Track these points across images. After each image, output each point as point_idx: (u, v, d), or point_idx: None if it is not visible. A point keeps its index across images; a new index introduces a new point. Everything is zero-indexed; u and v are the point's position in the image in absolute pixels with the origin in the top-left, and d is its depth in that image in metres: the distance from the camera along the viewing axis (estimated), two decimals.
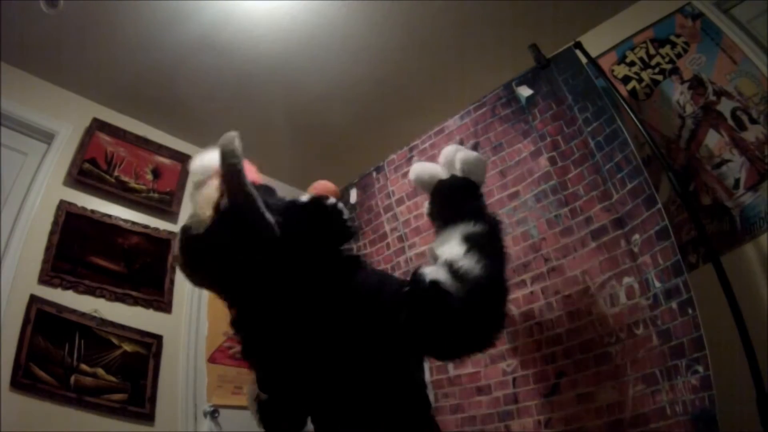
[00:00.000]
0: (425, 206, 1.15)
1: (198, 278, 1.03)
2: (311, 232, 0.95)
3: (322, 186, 1.15)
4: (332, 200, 1.02)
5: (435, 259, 0.92)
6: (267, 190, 1.02)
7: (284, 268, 0.91)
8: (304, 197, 1.03)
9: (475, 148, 1.10)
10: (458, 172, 1.06)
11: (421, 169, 1.15)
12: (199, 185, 0.98)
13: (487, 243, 0.91)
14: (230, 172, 0.89)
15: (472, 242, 0.89)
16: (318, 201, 1.00)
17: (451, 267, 0.84)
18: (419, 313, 0.82)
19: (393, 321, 0.85)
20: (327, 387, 0.90)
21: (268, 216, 0.88)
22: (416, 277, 0.87)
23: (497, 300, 0.88)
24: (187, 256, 0.98)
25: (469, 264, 0.84)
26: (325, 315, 0.90)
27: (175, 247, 1.01)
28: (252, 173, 1.01)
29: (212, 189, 0.94)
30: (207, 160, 0.99)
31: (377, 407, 0.89)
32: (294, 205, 0.99)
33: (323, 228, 0.97)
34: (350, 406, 0.89)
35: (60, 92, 2.36)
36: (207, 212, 0.92)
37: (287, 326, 0.92)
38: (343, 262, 1.00)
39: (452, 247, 0.89)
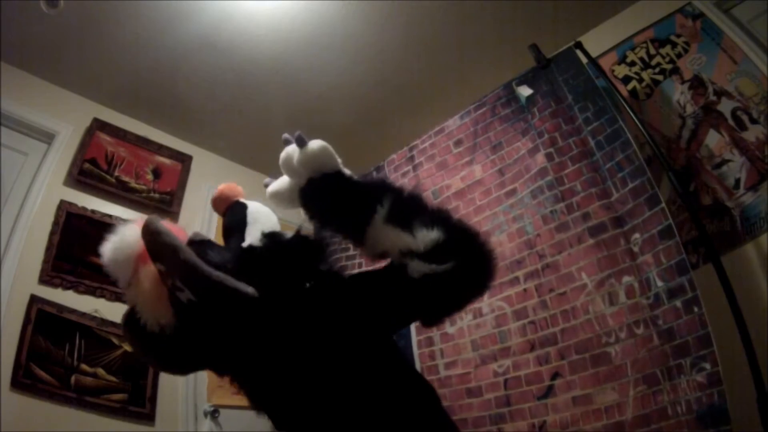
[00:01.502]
0: (303, 220, 0.99)
1: (179, 371, 0.96)
2: (282, 272, 0.84)
3: (228, 193, 1.00)
4: (280, 230, 0.91)
5: (379, 256, 0.87)
6: (203, 245, 0.86)
7: (270, 317, 0.82)
8: (253, 237, 0.90)
9: (300, 140, 0.95)
10: (311, 174, 0.93)
11: (274, 188, 1.03)
12: (131, 284, 0.82)
13: (408, 205, 0.85)
14: (182, 266, 0.74)
15: (400, 219, 0.82)
16: (274, 240, 0.89)
17: (418, 254, 0.79)
18: (432, 303, 0.83)
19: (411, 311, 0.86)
20: (342, 409, 0.84)
21: (243, 287, 0.76)
22: (398, 272, 0.81)
23: (474, 234, 0.84)
24: (160, 360, 0.88)
25: (426, 236, 0.79)
26: (323, 341, 0.83)
27: (136, 351, 0.88)
28: (181, 233, 0.86)
29: (151, 282, 0.80)
30: (119, 246, 0.83)
31: (398, 407, 0.85)
32: (251, 252, 0.87)
33: (292, 262, 0.86)
34: (371, 414, 0.83)
35: (60, 92, 2.36)
36: (162, 311, 0.79)
37: (289, 367, 0.85)
38: (324, 281, 0.89)
39: (393, 238, 0.82)
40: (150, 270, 0.80)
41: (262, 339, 0.84)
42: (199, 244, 0.87)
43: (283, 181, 1.02)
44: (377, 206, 0.84)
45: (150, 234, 0.77)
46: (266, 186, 1.06)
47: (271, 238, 0.90)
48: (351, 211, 0.88)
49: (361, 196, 0.89)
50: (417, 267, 0.79)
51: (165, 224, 0.78)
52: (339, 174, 0.93)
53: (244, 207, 0.98)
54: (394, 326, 0.94)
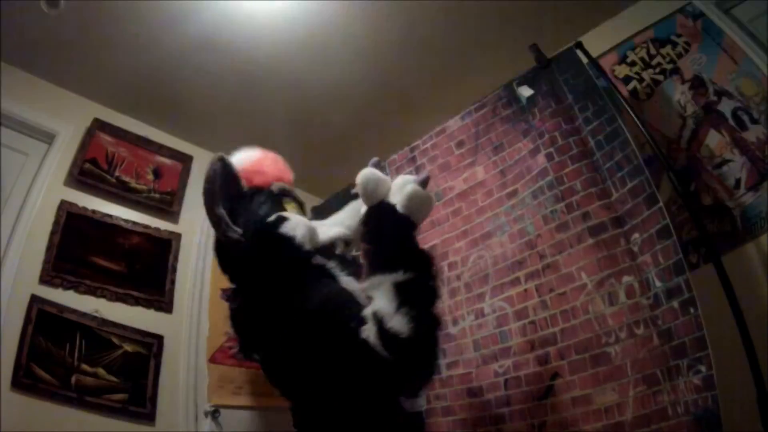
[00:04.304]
0: (357, 225, 1.16)
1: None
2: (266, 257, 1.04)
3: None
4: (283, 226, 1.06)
5: (369, 298, 0.94)
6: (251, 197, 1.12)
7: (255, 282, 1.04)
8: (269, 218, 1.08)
9: (424, 182, 1.04)
10: (400, 206, 1.01)
11: (368, 178, 1.07)
12: None
13: (418, 293, 0.92)
14: (204, 194, 1.04)
15: (403, 295, 0.89)
16: (271, 226, 1.06)
17: (381, 325, 0.86)
18: (356, 360, 0.88)
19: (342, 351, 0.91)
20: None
21: (232, 233, 1.04)
22: (357, 322, 0.89)
23: (427, 358, 0.93)
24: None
25: (399, 324, 0.85)
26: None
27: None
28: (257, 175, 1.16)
29: None
30: None
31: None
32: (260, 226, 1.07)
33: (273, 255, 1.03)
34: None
35: (60, 92, 2.36)
36: None
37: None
38: (306, 274, 1.02)
39: (383, 299, 0.90)
40: None
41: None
42: (251, 193, 1.17)
43: (382, 181, 1.08)
44: (401, 270, 0.91)
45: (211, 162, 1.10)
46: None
47: (271, 225, 1.09)
48: (385, 249, 0.98)
49: (403, 251, 0.97)
50: (371, 331, 0.86)
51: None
52: (413, 224, 1.02)
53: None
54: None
